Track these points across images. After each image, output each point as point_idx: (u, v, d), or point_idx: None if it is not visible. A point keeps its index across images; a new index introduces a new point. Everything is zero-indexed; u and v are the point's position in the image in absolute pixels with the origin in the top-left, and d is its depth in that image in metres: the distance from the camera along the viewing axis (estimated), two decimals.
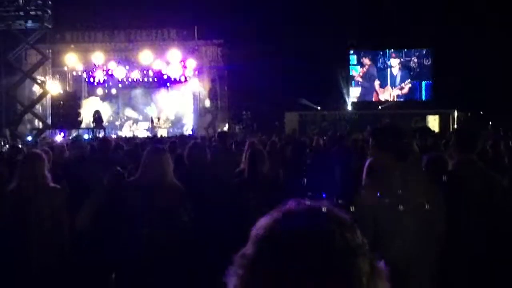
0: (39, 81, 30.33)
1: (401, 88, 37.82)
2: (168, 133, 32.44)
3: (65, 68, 33.42)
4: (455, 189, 5.01)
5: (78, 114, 29.09)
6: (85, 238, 6.60)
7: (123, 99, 36.76)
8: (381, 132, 4.41)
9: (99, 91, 35.71)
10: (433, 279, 4.23)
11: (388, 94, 37.93)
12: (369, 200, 4.07)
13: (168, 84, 35.27)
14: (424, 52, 37.36)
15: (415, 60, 37.56)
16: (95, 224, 6.71)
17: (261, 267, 1.26)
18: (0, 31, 28.75)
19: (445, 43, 32.24)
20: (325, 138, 15.40)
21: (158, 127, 34.37)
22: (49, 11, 29.14)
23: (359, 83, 38.21)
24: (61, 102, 29.21)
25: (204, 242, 6.09)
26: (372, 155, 4.61)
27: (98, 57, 32.15)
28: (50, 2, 29.13)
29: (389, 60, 37.75)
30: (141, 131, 33.81)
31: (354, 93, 37.95)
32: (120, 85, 35.56)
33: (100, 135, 24.97)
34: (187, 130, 33.83)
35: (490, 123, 23.48)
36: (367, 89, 38.17)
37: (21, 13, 28.56)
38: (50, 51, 32.49)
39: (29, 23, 29.32)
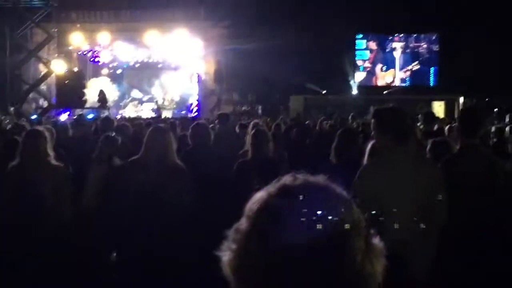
0: (44, 60, 30.29)
1: (406, 72, 37.71)
2: (173, 114, 32.39)
3: (71, 48, 33.33)
4: (457, 173, 5.01)
5: (83, 94, 29.04)
6: (88, 217, 6.64)
7: (128, 79, 36.66)
8: (382, 113, 4.41)
9: (104, 71, 35.66)
10: (431, 261, 4.23)
11: (390, 77, 37.80)
12: (367, 182, 4.07)
13: (173, 65, 35.18)
14: (431, 37, 37.20)
15: (423, 46, 37.43)
16: (98, 202, 6.74)
17: (255, 242, 1.25)
18: (5, 9, 28.69)
19: (452, 28, 32.07)
20: (329, 122, 15.39)
21: (163, 108, 34.33)
22: None
23: (367, 69, 38.10)
24: (66, 82, 29.15)
25: (206, 222, 6.08)
26: (374, 137, 4.61)
27: (103, 36, 32.06)
28: None
29: (392, 43, 37.61)
30: (146, 112, 33.76)
31: (358, 78, 37.86)
32: (125, 66, 35.50)
33: (105, 115, 24.95)
34: (193, 112, 33.80)
35: (496, 109, 23.39)
36: (371, 74, 38.10)
37: None
38: (56, 30, 32.40)
39: (35, 1, 29.28)
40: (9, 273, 5.76)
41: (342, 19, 31.79)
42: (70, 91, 28.43)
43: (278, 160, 6.85)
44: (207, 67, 33.57)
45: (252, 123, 11.04)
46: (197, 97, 34.37)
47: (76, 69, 31.79)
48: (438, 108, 32.71)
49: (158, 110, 33.39)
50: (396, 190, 4.02)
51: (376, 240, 1.31)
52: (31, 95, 30.48)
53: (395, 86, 37.23)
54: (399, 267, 3.49)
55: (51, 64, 29.96)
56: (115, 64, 35.38)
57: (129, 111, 34.22)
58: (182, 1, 32.14)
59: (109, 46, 33.12)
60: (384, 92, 35.99)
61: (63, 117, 25.29)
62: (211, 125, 9.75)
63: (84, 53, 34.41)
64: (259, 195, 1.33)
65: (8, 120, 16.27)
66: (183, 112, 33.63)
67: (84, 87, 29.71)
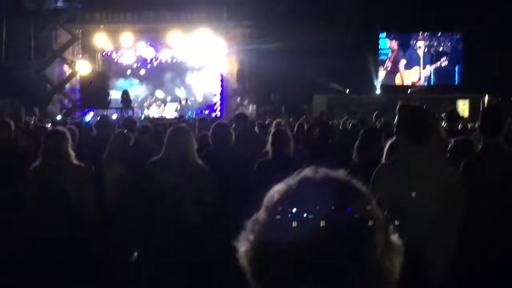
0: (68, 61, 30.57)
1: (430, 70, 37.44)
2: (196, 114, 32.48)
3: (95, 48, 33.61)
4: (480, 172, 4.94)
5: (107, 94, 29.22)
6: (110, 216, 6.67)
7: (152, 80, 36.83)
8: (403, 111, 4.36)
9: (128, 71, 35.88)
10: (450, 262, 4.18)
11: (415, 76, 37.56)
12: (382, 182, 4.04)
13: (196, 65, 35.29)
14: (455, 36, 36.90)
15: (448, 44, 37.14)
16: (120, 203, 6.78)
17: (273, 233, 1.24)
18: (30, 10, 28.98)
19: (477, 27, 31.75)
20: (352, 121, 15.33)
21: (186, 108, 34.45)
22: None
23: (388, 68, 37.88)
24: (90, 82, 29.35)
25: (227, 222, 6.08)
26: (395, 135, 4.57)
27: (127, 37, 32.30)
28: None
29: (416, 42, 37.35)
30: (169, 112, 33.89)
31: (381, 77, 37.66)
32: (148, 66, 35.70)
33: (127, 116, 25.08)
34: (216, 111, 33.90)
35: None
36: (393, 73, 37.88)
37: None
38: (80, 31, 32.68)
39: (60, 3, 29.54)
40: (30, 270, 5.81)
41: (365, 17, 31.66)
42: (95, 92, 28.61)
43: (299, 160, 6.82)
44: (230, 67, 33.65)
45: (274, 122, 11.04)
46: (220, 97, 34.45)
47: (100, 70, 32.02)
48: (463, 106, 32.42)
49: (181, 110, 33.49)
50: (412, 191, 3.98)
51: (395, 237, 1.31)
52: (55, 96, 30.75)
53: (419, 85, 36.98)
54: (416, 268, 3.46)
55: (75, 65, 30.22)
56: (138, 64, 35.59)
57: (153, 112, 34.38)
58: (204, 1, 32.21)
59: (133, 46, 33.35)
60: (408, 91, 35.74)
61: (88, 117, 25.50)
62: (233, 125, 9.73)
63: (108, 53, 34.68)
64: (279, 186, 1.33)
65: (33, 121, 16.42)
66: (207, 112, 33.71)
67: (108, 87, 29.89)
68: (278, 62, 29.67)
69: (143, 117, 27.65)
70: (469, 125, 10.29)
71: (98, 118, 13.61)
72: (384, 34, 37.56)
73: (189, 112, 33.15)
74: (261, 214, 1.30)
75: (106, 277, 6.36)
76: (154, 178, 5.94)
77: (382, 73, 37.66)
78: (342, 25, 30.41)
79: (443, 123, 10.86)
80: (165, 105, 35.76)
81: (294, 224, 1.21)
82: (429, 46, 37.26)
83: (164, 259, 5.77)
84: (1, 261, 6.17)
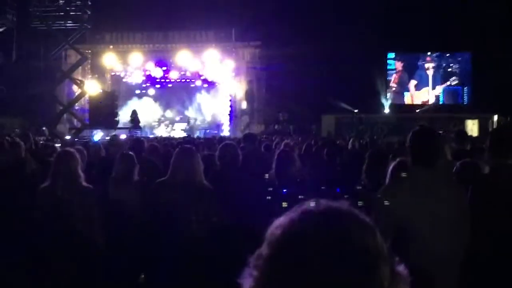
0: (78, 81, 30.76)
1: (439, 90, 37.46)
2: (204, 134, 32.53)
3: (104, 69, 33.82)
4: (490, 194, 4.89)
5: (116, 114, 29.35)
6: (118, 237, 6.64)
7: (161, 99, 36.99)
8: (412, 135, 4.35)
9: (137, 91, 36.07)
10: (457, 284, 4.13)
11: (424, 96, 37.57)
12: (387, 202, 4.01)
13: (205, 85, 35.45)
14: (464, 56, 36.92)
15: (455, 65, 37.18)
16: (126, 224, 6.76)
17: (277, 268, 1.22)
18: (40, 31, 29.27)
19: (485, 47, 31.75)
20: (361, 141, 15.30)
21: (195, 128, 34.55)
22: (89, 12, 29.63)
23: (392, 88, 37.95)
24: (99, 102, 29.49)
25: (234, 243, 6.05)
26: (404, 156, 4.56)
27: (136, 58, 32.49)
28: (89, 3, 29.60)
29: (425, 63, 37.41)
30: (178, 132, 33.98)
31: (390, 97, 37.73)
32: (157, 86, 35.87)
33: (135, 136, 25.09)
34: (224, 131, 33.94)
35: None
36: (399, 93, 37.95)
37: (61, 13, 29.06)
38: (90, 51, 32.94)
39: (69, 23, 29.79)
40: None
41: (374, 38, 31.72)
42: (104, 112, 28.75)
43: (303, 180, 6.78)
44: (239, 87, 33.78)
45: (283, 143, 11.02)
46: (228, 117, 34.53)
47: (109, 90, 32.21)
48: (472, 126, 32.39)
49: (190, 130, 33.57)
50: (416, 212, 3.95)
51: (401, 268, 1.28)
52: (65, 116, 30.91)
53: (427, 105, 36.98)
54: None
55: (84, 85, 30.39)
56: (147, 84, 35.77)
57: (161, 131, 34.48)
58: (213, 22, 32.43)
59: (142, 67, 33.55)
60: (417, 111, 35.72)
61: (96, 136, 25.55)
62: (241, 146, 9.71)
63: (117, 73, 34.87)
64: (281, 221, 1.30)
65: (42, 142, 16.48)
66: (215, 132, 33.78)
67: (117, 107, 30.03)
68: (286, 82, 29.76)
69: (152, 136, 27.69)
70: (478, 146, 10.20)
71: (109, 138, 13.63)
72: (393, 55, 37.62)
73: (198, 132, 33.20)
74: (264, 249, 1.27)
75: None
76: (160, 199, 5.92)
77: (390, 93, 37.73)
78: (351, 45, 30.49)
79: (452, 143, 10.80)
80: (173, 125, 35.87)
81: (296, 259, 1.19)
82: (438, 66, 37.27)
83: (171, 281, 5.74)
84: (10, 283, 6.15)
